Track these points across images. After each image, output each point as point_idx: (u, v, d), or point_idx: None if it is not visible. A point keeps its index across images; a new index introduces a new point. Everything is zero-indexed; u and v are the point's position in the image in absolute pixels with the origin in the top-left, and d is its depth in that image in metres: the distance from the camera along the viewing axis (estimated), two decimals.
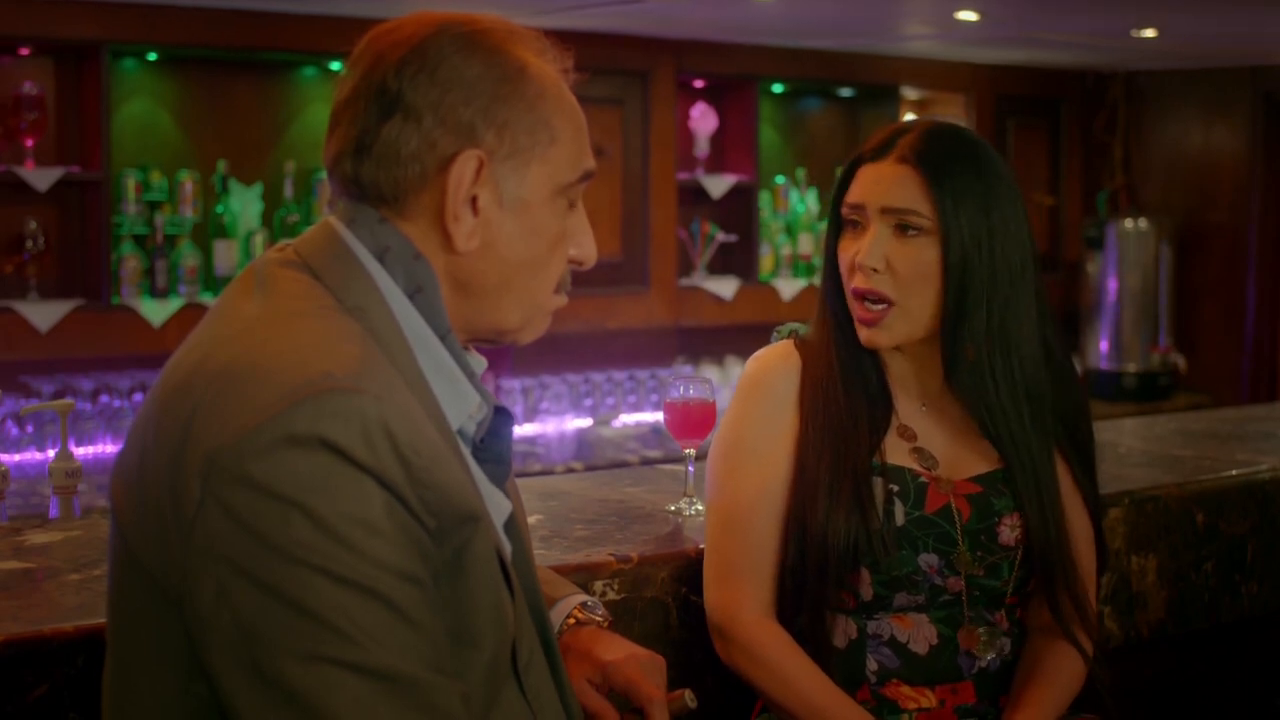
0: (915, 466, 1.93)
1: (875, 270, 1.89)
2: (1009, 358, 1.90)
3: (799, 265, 6.35)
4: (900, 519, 1.88)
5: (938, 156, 1.89)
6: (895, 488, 1.90)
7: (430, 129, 1.33)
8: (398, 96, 1.33)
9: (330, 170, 1.38)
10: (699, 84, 6.17)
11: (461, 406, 1.36)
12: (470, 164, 1.33)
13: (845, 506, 1.86)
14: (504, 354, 5.52)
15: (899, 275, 1.89)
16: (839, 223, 1.96)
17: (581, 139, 1.41)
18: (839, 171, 1.99)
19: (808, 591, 1.89)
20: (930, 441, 1.96)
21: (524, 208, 1.36)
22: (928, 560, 1.88)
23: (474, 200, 1.34)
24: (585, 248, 1.44)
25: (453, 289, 1.37)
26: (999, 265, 1.89)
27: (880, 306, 1.90)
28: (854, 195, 1.93)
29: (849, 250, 1.93)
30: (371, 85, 1.35)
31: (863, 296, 1.91)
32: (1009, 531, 1.92)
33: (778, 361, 1.97)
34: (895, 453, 1.93)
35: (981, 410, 1.92)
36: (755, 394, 1.96)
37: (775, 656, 1.89)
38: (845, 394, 1.92)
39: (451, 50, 1.35)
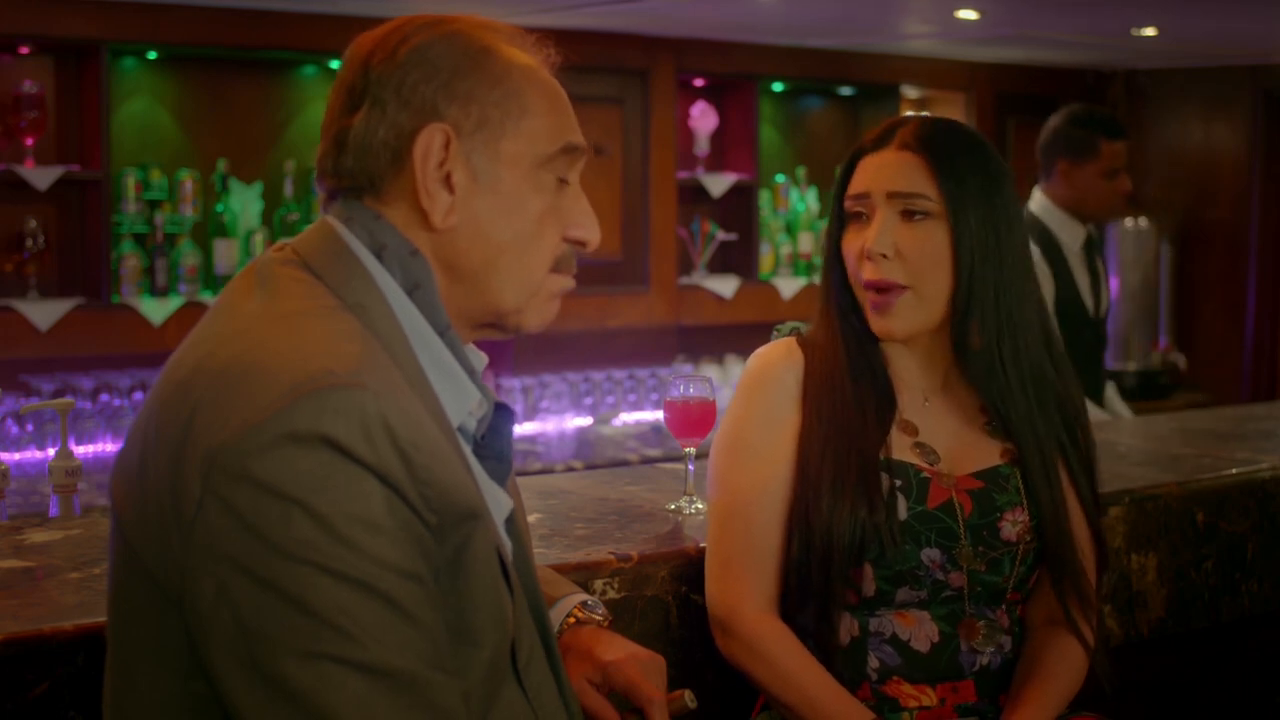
0: (917, 461, 1.93)
1: (885, 256, 1.89)
2: (1015, 341, 1.92)
3: (799, 264, 6.34)
4: (903, 514, 1.88)
5: (939, 142, 1.92)
6: (898, 482, 1.90)
7: (395, 113, 1.34)
8: (365, 88, 1.35)
9: (318, 175, 1.40)
10: (699, 83, 6.17)
11: (461, 403, 1.36)
12: (436, 138, 1.33)
13: (851, 501, 1.86)
14: (504, 352, 5.52)
15: (909, 261, 1.89)
16: (842, 217, 1.97)
17: (560, 112, 1.40)
18: (837, 169, 1.99)
19: (814, 588, 1.88)
20: (932, 437, 1.96)
21: (500, 181, 1.36)
22: (930, 555, 1.88)
23: (449, 178, 1.34)
24: (587, 228, 1.43)
25: (442, 272, 1.37)
26: (1005, 250, 1.91)
27: (892, 293, 1.90)
28: (857, 185, 1.94)
29: (855, 242, 1.93)
30: (344, 85, 1.37)
31: (874, 287, 1.91)
32: (1011, 527, 1.92)
33: (780, 358, 1.97)
34: (898, 448, 1.93)
35: (994, 396, 1.93)
36: (758, 390, 1.96)
37: (776, 652, 1.89)
38: (852, 389, 1.92)
39: (415, 36, 1.36)
